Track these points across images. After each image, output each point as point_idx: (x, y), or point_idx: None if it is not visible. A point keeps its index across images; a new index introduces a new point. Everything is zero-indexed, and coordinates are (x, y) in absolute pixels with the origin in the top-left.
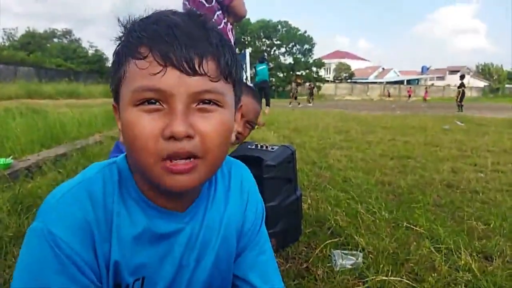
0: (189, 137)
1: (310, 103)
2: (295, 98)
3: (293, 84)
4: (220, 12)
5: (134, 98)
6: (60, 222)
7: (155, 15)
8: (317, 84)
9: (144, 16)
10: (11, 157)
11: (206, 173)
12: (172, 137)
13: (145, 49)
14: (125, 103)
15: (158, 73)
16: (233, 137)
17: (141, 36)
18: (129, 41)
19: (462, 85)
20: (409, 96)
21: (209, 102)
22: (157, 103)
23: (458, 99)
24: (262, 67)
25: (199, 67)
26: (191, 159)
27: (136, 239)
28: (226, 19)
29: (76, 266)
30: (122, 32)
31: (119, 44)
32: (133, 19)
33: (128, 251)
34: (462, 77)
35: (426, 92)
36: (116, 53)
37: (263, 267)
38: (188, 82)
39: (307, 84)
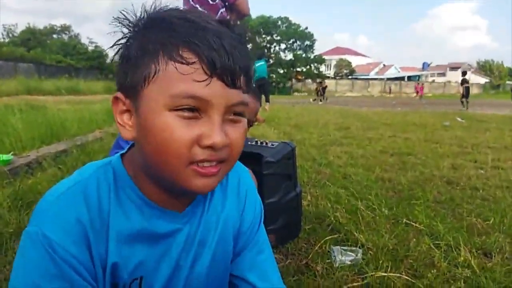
0: (224, 146)
1: (321, 101)
2: (318, 95)
3: (316, 83)
4: (224, 9)
5: (172, 102)
6: (54, 225)
7: (194, 18)
8: (318, 80)
9: (170, 8)
10: (11, 153)
11: (223, 176)
12: (210, 147)
13: (191, 55)
14: (158, 106)
15: (202, 81)
16: None
17: (187, 40)
18: (166, 40)
19: (465, 81)
20: (417, 92)
21: (238, 113)
22: (195, 111)
23: (464, 96)
24: (260, 64)
25: (238, 80)
26: (218, 163)
27: (133, 239)
28: (229, 16)
29: (73, 268)
30: (141, 23)
31: (143, 36)
32: (157, 8)
33: (125, 251)
34: (464, 73)
35: (422, 88)
36: (141, 47)
37: (262, 266)
38: (227, 94)
39: (309, 80)
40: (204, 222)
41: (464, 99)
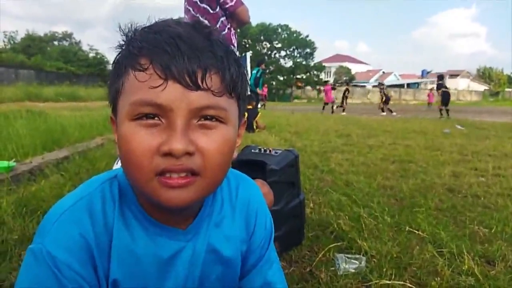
0: (188, 154)
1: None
2: (344, 104)
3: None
4: (224, 18)
5: (131, 111)
6: (59, 243)
7: (158, 25)
8: (317, 87)
9: (147, 24)
10: (13, 160)
11: (205, 190)
12: (169, 154)
13: (146, 60)
14: (122, 116)
15: (158, 86)
16: None
17: (141, 46)
18: (129, 51)
19: (442, 85)
20: (429, 103)
21: (211, 118)
22: (156, 118)
23: (443, 103)
24: (253, 72)
25: (202, 81)
26: (188, 174)
27: (137, 257)
28: (229, 24)
29: (78, 286)
30: (123, 41)
31: (119, 53)
32: (135, 27)
33: (128, 268)
34: (440, 77)
35: (430, 95)
36: (115, 63)
37: (271, 280)
38: (189, 97)
39: (309, 87)
40: (210, 239)
41: (443, 107)
